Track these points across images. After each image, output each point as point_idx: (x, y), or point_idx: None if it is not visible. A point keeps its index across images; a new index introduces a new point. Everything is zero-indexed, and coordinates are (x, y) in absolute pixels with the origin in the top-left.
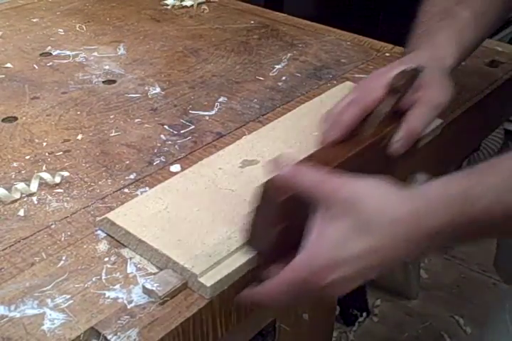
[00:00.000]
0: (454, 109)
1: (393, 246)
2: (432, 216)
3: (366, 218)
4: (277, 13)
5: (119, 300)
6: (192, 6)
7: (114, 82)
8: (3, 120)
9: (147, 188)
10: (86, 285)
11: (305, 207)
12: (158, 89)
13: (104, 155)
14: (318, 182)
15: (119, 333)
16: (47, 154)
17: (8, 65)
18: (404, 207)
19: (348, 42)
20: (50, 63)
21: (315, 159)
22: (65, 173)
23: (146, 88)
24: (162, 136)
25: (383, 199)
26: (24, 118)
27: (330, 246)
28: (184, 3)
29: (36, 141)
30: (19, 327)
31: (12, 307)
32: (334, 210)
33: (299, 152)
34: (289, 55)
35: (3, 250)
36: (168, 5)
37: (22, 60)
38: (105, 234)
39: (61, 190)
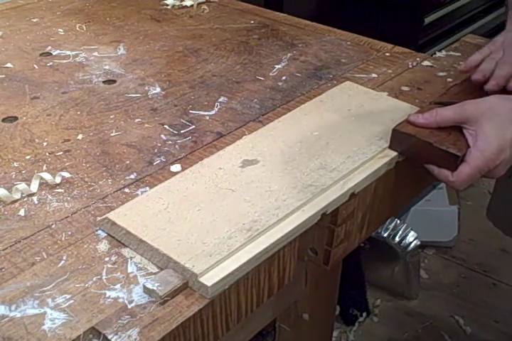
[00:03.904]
0: None
1: None
2: None
3: (507, 116)
4: (277, 13)
5: (120, 300)
6: (192, 6)
7: (114, 82)
8: (4, 120)
9: (147, 188)
10: (87, 285)
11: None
12: (158, 89)
13: (105, 155)
14: (459, 108)
15: (119, 333)
16: (47, 154)
17: (9, 64)
18: None
19: (348, 42)
20: (50, 63)
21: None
22: (66, 174)
23: (146, 88)
24: (162, 135)
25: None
26: (24, 118)
27: (492, 139)
28: (184, 3)
29: (36, 140)
30: (20, 326)
31: (13, 307)
32: (482, 118)
33: (299, 152)
34: (289, 54)
35: (3, 250)
36: (168, 5)
37: (22, 60)
38: (106, 234)
39: (61, 190)
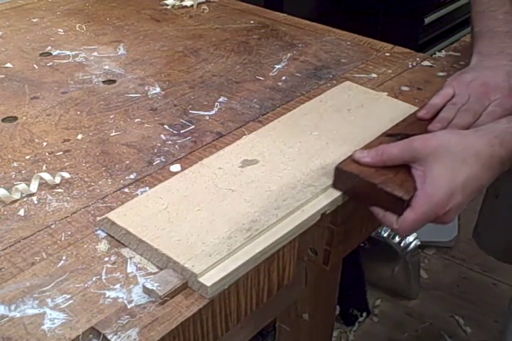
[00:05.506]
0: None
1: (482, 173)
2: (503, 146)
3: (459, 155)
4: (277, 13)
5: (120, 300)
6: (192, 6)
7: (114, 82)
8: (3, 120)
9: (147, 188)
10: (86, 285)
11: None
12: (158, 89)
13: (104, 155)
14: (407, 146)
15: (119, 333)
16: (47, 154)
17: (8, 64)
18: (481, 141)
19: (348, 42)
20: (50, 63)
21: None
22: (66, 174)
23: (146, 88)
24: (162, 135)
25: (464, 139)
26: (24, 118)
27: (441, 182)
28: (184, 3)
29: (36, 140)
30: (19, 326)
31: (12, 307)
32: (431, 157)
33: (299, 152)
34: (289, 54)
35: (3, 250)
36: (168, 5)
37: (22, 60)
38: (105, 234)
39: (61, 190)
